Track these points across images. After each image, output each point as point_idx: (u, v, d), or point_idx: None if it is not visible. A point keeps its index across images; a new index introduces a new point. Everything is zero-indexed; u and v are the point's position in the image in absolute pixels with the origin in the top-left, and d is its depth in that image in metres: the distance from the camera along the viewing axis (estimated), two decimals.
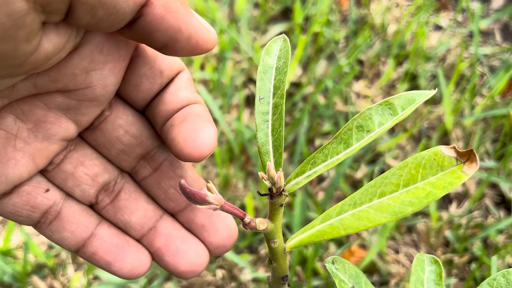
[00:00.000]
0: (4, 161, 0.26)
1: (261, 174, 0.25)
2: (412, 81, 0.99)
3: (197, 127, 0.27)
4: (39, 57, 0.21)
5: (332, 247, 0.75)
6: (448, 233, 0.77)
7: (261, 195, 0.26)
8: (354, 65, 1.00)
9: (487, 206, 0.82)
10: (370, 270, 0.75)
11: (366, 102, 0.95)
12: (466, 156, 0.26)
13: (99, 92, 0.26)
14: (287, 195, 0.26)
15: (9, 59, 0.20)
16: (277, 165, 0.26)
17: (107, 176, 0.30)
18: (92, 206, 0.31)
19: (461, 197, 0.84)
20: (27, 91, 0.25)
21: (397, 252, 0.77)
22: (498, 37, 1.14)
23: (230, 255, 0.73)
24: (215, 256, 0.32)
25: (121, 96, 0.29)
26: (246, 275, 0.74)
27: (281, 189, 0.25)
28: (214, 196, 0.24)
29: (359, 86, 0.98)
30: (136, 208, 0.31)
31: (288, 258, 0.29)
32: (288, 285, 0.32)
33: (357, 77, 1.01)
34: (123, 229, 0.31)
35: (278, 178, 0.25)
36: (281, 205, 0.26)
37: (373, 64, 1.02)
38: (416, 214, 0.80)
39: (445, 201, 0.83)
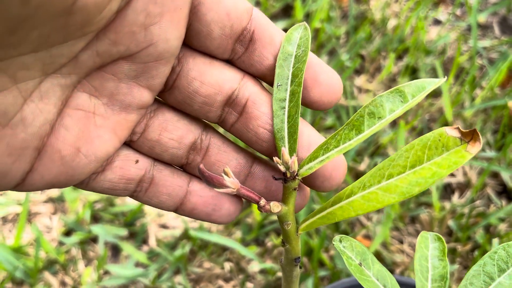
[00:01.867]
0: (90, 140, 0.26)
1: (275, 159, 0.27)
2: (413, 75, 1.00)
3: (317, 68, 0.27)
4: (88, 4, 0.21)
5: None
6: (451, 223, 0.78)
7: (275, 179, 0.28)
8: (355, 58, 1.02)
9: (489, 195, 0.83)
10: None
11: (367, 96, 0.97)
12: (469, 135, 0.27)
13: (162, 48, 0.25)
14: (300, 180, 0.27)
15: (55, 5, 0.19)
16: (291, 151, 0.27)
17: (191, 136, 0.30)
18: (184, 167, 0.31)
19: (463, 187, 0.85)
20: (91, 61, 0.25)
21: (401, 242, 0.79)
22: (496, 30, 1.15)
23: (238, 247, 0.74)
24: None
25: (196, 49, 0.28)
26: (254, 267, 0.75)
27: (295, 173, 0.27)
28: (231, 180, 0.26)
29: (361, 80, 0.99)
30: (228, 159, 0.31)
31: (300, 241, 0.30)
32: (300, 267, 0.33)
33: (358, 72, 1.02)
34: None
35: (292, 163, 0.26)
36: (295, 189, 0.28)
37: (373, 58, 1.03)
38: (419, 205, 0.82)
39: (447, 192, 0.85)
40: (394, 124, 0.93)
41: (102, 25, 0.23)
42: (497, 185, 0.85)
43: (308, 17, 1.09)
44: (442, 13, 1.16)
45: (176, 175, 0.31)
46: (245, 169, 0.31)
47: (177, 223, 0.81)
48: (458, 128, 0.28)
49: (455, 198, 0.83)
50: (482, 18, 1.15)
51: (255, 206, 0.77)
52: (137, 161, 0.29)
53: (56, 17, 0.20)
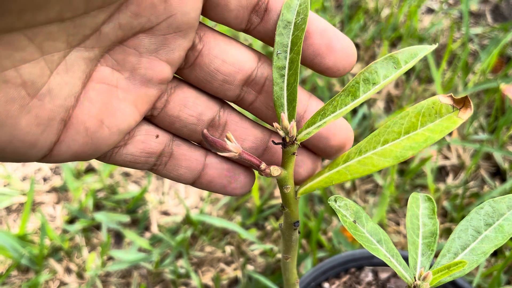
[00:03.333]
0: (113, 113, 0.28)
1: (275, 124, 0.28)
2: None
3: (331, 35, 0.28)
4: None
5: (335, 221, 0.79)
6: (446, 203, 0.80)
7: (275, 143, 0.29)
8: None
9: (482, 176, 0.85)
10: None
11: None
12: (461, 102, 0.29)
13: (181, 20, 0.26)
14: (299, 144, 0.29)
15: None
16: (290, 117, 0.29)
17: (210, 112, 0.31)
18: (202, 142, 0.32)
19: (457, 169, 0.87)
20: (114, 34, 0.26)
21: (398, 224, 0.81)
22: (489, 18, 1.17)
23: (239, 230, 0.76)
24: None
25: (214, 20, 0.29)
26: (255, 251, 0.77)
27: (294, 138, 0.28)
28: (233, 145, 0.27)
29: (356, 68, 1.01)
30: (247, 135, 0.32)
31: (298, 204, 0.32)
32: (299, 232, 0.35)
33: None
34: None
35: (291, 128, 0.28)
36: (293, 154, 0.29)
37: (368, 47, 1.05)
38: (415, 187, 0.84)
39: (442, 174, 0.87)
40: (388, 109, 0.95)
41: None
42: (490, 166, 0.87)
43: None
44: (434, 2, 1.18)
45: (194, 149, 0.32)
46: (262, 143, 0.33)
47: (178, 210, 0.83)
48: (451, 96, 0.30)
49: (450, 179, 0.85)
50: (474, 6, 1.17)
51: (254, 191, 0.79)
52: (157, 136, 0.31)
53: None
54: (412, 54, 0.28)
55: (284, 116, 0.28)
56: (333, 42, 0.29)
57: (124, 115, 0.28)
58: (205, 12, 0.29)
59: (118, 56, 0.27)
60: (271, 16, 0.29)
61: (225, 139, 0.27)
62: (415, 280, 0.32)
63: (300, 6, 0.29)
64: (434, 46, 0.28)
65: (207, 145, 0.27)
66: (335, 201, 0.31)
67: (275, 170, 0.29)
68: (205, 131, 0.27)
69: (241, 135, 0.32)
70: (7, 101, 0.24)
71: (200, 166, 0.32)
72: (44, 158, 0.27)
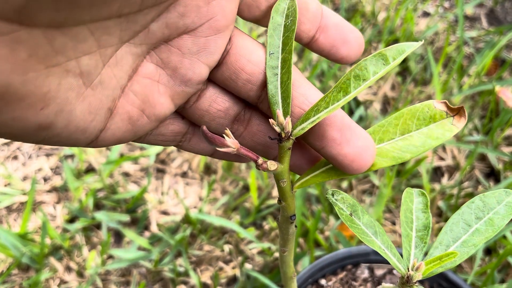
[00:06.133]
0: (153, 105, 0.30)
1: (271, 121, 0.29)
2: (402, 64, 1.04)
3: (345, 28, 0.30)
4: None
5: (332, 220, 0.80)
6: (441, 203, 0.82)
7: (271, 139, 0.30)
8: None
9: (477, 177, 0.87)
10: None
11: None
12: (456, 111, 0.30)
13: (222, 23, 0.28)
14: (293, 139, 0.30)
15: None
16: (285, 114, 0.30)
17: (236, 108, 0.33)
18: None
19: (452, 169, 0.88)
20: (160, 32, 0.27)
21: (393, 223, 0.82)
22: (484, 22, 1.19)
23: (237, 229, 0.77)
24: None
25: (245, 19, 0.31)
26: (253, 249, 0.78)
27: (289, 133, 0.30)
28: (231, 140, 0.29)
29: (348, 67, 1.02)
30: (269, 129, 0.33)
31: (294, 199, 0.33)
32: (295, 226, 0.36)
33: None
34: (262, 150, 0.34)
35: (287, 124, 0.29)
36: (289, 149, 0.30)
37: (365, 49, 1.06)
38: (411, 187, 0.85)
39: (437, 174, 0.88)
40: (385, 111, 0.96)
41: None
42: (484, 167, 0.88)
43: None
44: (430, 6, 1.19)
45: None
46: None
47: (177, 210, 0.84)
48: (445, 102, 0.31)
49: (445, 180, 0.86)
50: (470, 10, 1.18)
51: (253, 191, 0.80)
52: (183, 117, 0.34)
53: None
54: (400, 51, 0.29)
55: (280, 112, 0.29)
56: (347, 34, 0.32)
57: (162, 107, 0.30)
58: (238, 12, 0.31)
59: (162, 55, 0.29)
60: (299, 17, 0.31)
61: (224, 135, 0.29)
62: (408, 271, 0.33)
63: (288, 10, 0.30)
64: (420, 43, 0.29)
65: (206, 141, 0.28)
66: (333, 194, 0.32)
67: (272, 165, 0.30)
68: (204, 127, 0.28)
69: (264, 130, 0.34)
70: (67, 89, 0.25)
71: None
72: (91, 143, 0.29)
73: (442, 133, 0.31)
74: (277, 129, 0.30)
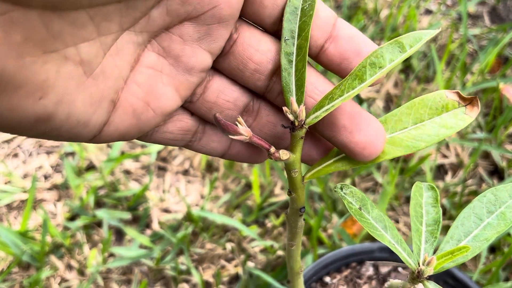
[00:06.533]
0: (158, 97, 0.29)
1: (285, 108, 0.29)
2: (405, 61, 1.03)
3: (360, 41, 0.29)
4: None
5: (335, 218, 0.79)
6: (444, 201, 0.81)
7: (284, 127, 0.30)
8: None
9: (480, 175, 0.86)
10: (373, 237, 0.79)
11: None
12: (468, 100, 0.30)
13: (225, 11, 0.27)
14: (307, 128, 0.29)
15: None
16: (299, 102, 0.29)
17: (245, 98, 0.32)
18: None
19: (455, 167, 0.88)
20: (161, 19, 0.27)
21: (397, 221, 0.81)
22: (486, 19, 1.18)
23: (240, 226, 0.76)
24: None
25: (248, 17, 0.30)
26: (255, 247, 0.77)
27: (302, 122, 0.29)
28: (244, 128, 0.28)
29: None
30: (279, 120, 0.33)
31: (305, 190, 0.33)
32: (304, 220, 0.35)
33: None
34: (271, 142, 0.33)
35: (300, 112, 0.28)
36: (302, 138, 0.30)
37: None
38: None
39: (441, 172, 0.88)
40: (388, 108, 0.96)
41: None
42: (488, 165, 0.88)
43: None
44: (433, 3, 1.19)
45: None
46: None
47: (179, 207, 0.83)
48: (457, 92, 0.30)
49: (448, 178, 0.86)
50: (472, 7, 1.18)
51: (255, 189, 0.80)
52: (192, 114, 0.32)
53: None
54: (417, 38, 0.29)
55: (293, 100, 0.29)
56: (361, 47, 0.30)
57: (167, 99, 0.29)
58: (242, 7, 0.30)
59: (163, 43, 0.28)
60: None
61: (237, 122, 0.28)
62: (419, 266, 0.33)
63: None
64: (437, 30, 0.29)
65: (219, 128, 0.28)
66: (341, 188, 0.31)
67: (284, 154, 0.30)
68: (217, 114, 0.27)
69: (273, 121, 0.33)
70: (67, 77, 0.24)
71: (229, 140, 0.33)
72: (94, 138, 0.28)
73: (455, 122, 0.30)
74: (291, 117, 0.29)
